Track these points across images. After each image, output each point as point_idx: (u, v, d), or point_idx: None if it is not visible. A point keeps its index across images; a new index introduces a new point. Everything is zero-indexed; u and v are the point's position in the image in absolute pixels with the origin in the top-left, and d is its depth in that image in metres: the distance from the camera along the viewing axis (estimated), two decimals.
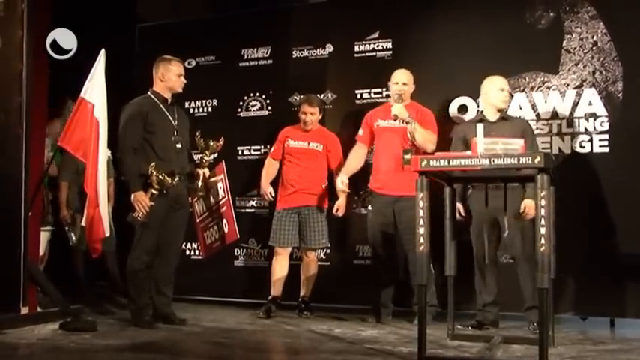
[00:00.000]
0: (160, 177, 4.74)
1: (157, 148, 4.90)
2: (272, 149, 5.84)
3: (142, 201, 4.76)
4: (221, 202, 5.36)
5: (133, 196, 4.78)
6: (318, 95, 6.12)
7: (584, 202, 5.17)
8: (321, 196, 5.62)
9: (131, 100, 5.08)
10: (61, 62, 5.22)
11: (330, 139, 5.71)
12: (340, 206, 5.59)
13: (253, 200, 6.20)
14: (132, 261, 4.89)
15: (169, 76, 5.03)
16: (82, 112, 5.06)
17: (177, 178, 4.84)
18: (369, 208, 5.45)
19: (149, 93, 5.06)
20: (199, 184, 5.05)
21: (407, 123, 5.09)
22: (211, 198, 5.33)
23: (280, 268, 5.59)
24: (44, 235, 5.67)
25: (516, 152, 3.57)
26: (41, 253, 5.56)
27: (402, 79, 5.33)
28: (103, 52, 5.07)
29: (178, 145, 5.00)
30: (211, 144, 5.03)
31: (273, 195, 5.69)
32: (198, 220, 5.41)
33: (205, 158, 5.04)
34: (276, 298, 5.58)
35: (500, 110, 5.02)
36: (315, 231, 5.55)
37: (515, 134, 4.72)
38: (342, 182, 5.41)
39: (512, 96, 5.51)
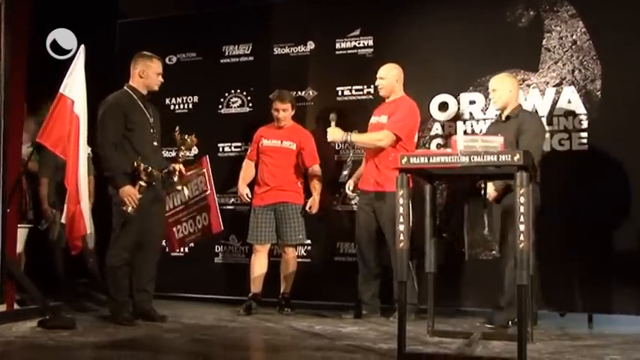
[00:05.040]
0: (148, 169, 4.74)
1: (135, 145, 4.86)
2: (248, 151, 5.86)
3: (132, 194, 4.73)
4: (202, 196, 5.41)
5: (121, 190, 4.74)
6: (299, 92, 6.13)
7: (562, 199, 5.19)
8: (296, 192, 5.63)
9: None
10: (39, 58, 5.16)
11: (304, 137, 5.69)
12: (313, 204, 5.60)
13: (234, 197, 6.18)
14: (111, 258, 4.85)
15: (148, 74, 5.00)
16: (61, 108, 5.00)
17: (164, 171, 4.86)
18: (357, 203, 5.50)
19: (126, 88, 5.02)
20: (175, 179, 5.02)
21: (345, 142, 5.13)
22: (186, 192, 5.31)
23: (259, 265, 5.59)
24: (22, 233, 5.61)
25: (496, 150, 3.57)
26: (19, 250, 5.48)
27: (379, 74, 5.36)
28: (82, 48, 5.02)
29: (155, 143, 5.00)
30: (187, 139, 5.00)
31: (250, 196, 5.68)
32: (167, 215, 5.41)
33: (181, 154, 5.01)
34: (257, 296, 5.57)
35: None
36: (291, 227, 5.55)
37: (513, 132, 4.80)
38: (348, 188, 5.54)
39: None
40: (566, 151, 5.30)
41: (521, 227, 3.43)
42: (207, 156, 5.59)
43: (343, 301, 5.56)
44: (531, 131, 4.79)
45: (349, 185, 5.49)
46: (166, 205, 5.40)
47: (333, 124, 5.26)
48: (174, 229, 5.47)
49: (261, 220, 5.57)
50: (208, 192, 5.43)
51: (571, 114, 5.32)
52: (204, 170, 5.48)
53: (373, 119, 5.39)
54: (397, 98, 5.34)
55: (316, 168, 5.70)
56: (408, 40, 5.86)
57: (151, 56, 5.06)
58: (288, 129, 5.69)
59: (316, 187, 5.66)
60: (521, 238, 3.42)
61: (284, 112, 5.62)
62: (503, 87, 4.95)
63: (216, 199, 5.49)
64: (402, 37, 5.90)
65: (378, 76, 5.36)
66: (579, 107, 5.31)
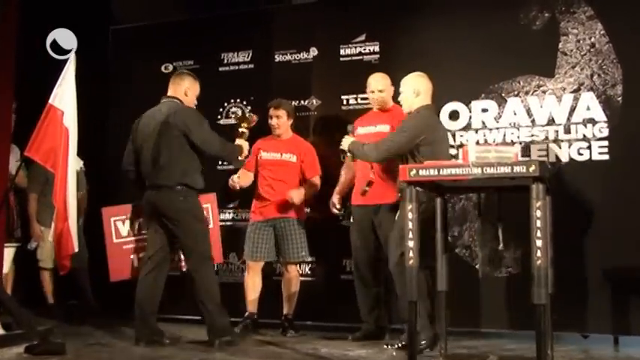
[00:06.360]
0: (246, 114, 5.33)
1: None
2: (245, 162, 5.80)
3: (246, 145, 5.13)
4: None
5: (242, 148, 5.08)
6: (302, 101, 6.10)
7: (582, 212, 5.14)
8: (297, 207, 5.55)
9: (107, 107, 5.09)
10: (28, 67, 5.15)
11: (304, 148, 5.64)
12: (295, 193, 5.46)
13: (234, 212, 6.13)
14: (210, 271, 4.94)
15: (192, 95, 5.09)
16: (50, 120, 5.02)
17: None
18: (351, 220, 5.40)
19: (177, 101, 4.99)
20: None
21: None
22: None
23: (253, 284, 5.54)
24: (10, 252, 5.58)
25: (510, 160, 3.54)
26: (5, 270, 5.44)
27: (377, 87, 5.29)
28: (73, 56, 5.03)
29: None
30: (247, 116, 5.26)
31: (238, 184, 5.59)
32: (126, 240, 5.33)
33: (242, 130, 5.15)
34: (253, 315, 5.52)
35: None
36: (293, 243, 5.49)
37: None
38: (332, 205, 5.43)
39: (505, 101, 5.52)
40: (585, 161, 5.23)
41: (538, 243, 3.40)
42: (215, 194, 5.56)
43: (350, 321, 5.46)
44: (399, 127, 4.70)
45: (335, 202, 5.42)
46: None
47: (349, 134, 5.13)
48: (134, 256, 5.36)
49: (259, 236, 5.50)
50: (210, 226, 5.42)
51: (590, 121, 5.25)
52: (208, 205, 5.46)
53: (368, 129, 5.28)
54: (392, 107, 5.32)
55: (316, 180, 5.62)
56: (416, 46, 5.78)
57: (195, 77, 5.16)
58: (288, 141, 5.64)
59: (307, 187, 5.55)
60: (538, 254, 3.39)
61: (277, 118, 5.58)
62: (406, 89, 4.84)
63: (219, 233, 5.49)
64: (409, 42, 5.83)
65: (375, 89, 5.29)
66: (599, 114, 5.24)
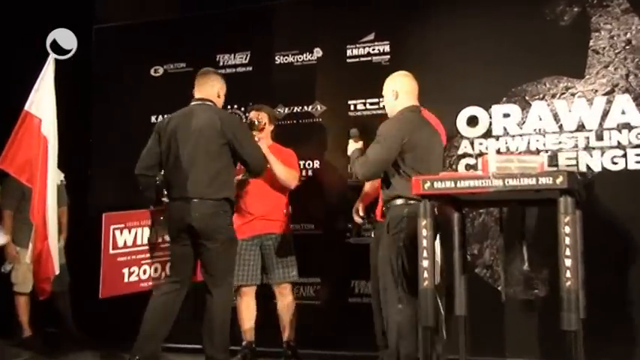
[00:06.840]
0: (255, 122, 5.33)
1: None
2: None
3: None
4: None
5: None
6: (306, 107, 6.10)
7: (617, 228, 5.09)
8: (284, 222, 5.47)
9: (90, 113, 5.03)
10: (1, 71, 5.13)
11: (285, 154, 5.54)
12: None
13: None
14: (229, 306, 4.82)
15: (223, 96, 5.01)
16: (26, 129, 5.06)
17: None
18: (372, 235, 5.34)
19: (215, 106, 4.91)
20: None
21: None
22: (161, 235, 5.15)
23: (248, 310, 5.44)
24: None
25: (534, 171, 3.49)
26: None
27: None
28: (51, 59, 5.05)
29: None
30: (257, 123, 5.32)
31: None
32: (119, 252, 5.24)
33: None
34: (251, 344, 5.44)
35: None
36: (284, 261, 5.37)
37: None
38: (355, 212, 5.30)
39: (530, 104, 5.44)
40: (620, 170, 5.17)
41: (568, 262, 3.36)
42: None
43: (361, 350, 5.39)
44: (376, 137, 4.53)
45: (360, 209, 5.27)
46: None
47: (351, 140, 5.02)
48: (126, 269, 5.25)
49: (247, 257, 5.37)
50: None
51: (626, 127, 5.19)
52: None
53: None
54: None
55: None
56: (430, 45, 5.73)
57: (221, 75, 5.09)
58: (269, 148, 5.53)
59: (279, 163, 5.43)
60: (568, 274, 3.36)
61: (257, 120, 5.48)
62: (385, 92, 4.72)
63: None
64: (422, 41, 5.77)
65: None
66: (635, 118, 5.16)
